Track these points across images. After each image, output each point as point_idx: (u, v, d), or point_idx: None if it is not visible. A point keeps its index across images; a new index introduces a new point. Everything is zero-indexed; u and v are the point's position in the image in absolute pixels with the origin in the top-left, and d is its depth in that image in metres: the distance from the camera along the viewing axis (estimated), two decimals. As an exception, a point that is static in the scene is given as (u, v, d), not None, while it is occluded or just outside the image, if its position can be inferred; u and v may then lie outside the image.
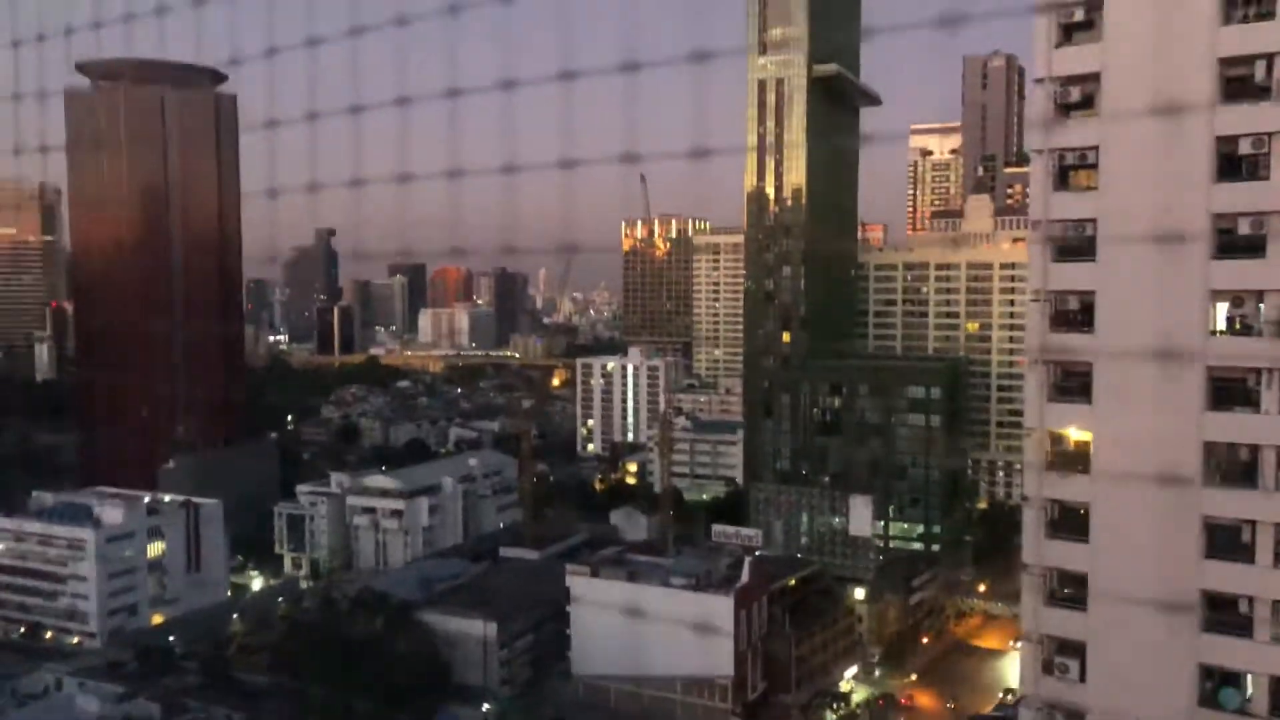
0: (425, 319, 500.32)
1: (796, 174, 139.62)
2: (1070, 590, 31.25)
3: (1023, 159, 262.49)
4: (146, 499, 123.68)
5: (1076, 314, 30.63)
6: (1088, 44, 29.74)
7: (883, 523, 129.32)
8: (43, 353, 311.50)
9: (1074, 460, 30.78)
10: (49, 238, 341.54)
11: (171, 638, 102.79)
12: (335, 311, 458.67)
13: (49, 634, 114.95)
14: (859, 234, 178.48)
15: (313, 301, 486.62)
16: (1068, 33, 29.92)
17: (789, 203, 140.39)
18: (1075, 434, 30.87)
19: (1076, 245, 30.39)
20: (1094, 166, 29.68)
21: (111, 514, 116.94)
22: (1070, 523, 30.55)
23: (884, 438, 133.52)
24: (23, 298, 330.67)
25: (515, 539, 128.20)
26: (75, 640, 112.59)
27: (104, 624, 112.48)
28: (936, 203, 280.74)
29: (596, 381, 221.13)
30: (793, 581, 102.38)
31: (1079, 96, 29.82)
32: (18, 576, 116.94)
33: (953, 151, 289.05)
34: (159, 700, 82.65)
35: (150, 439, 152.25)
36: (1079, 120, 30.12)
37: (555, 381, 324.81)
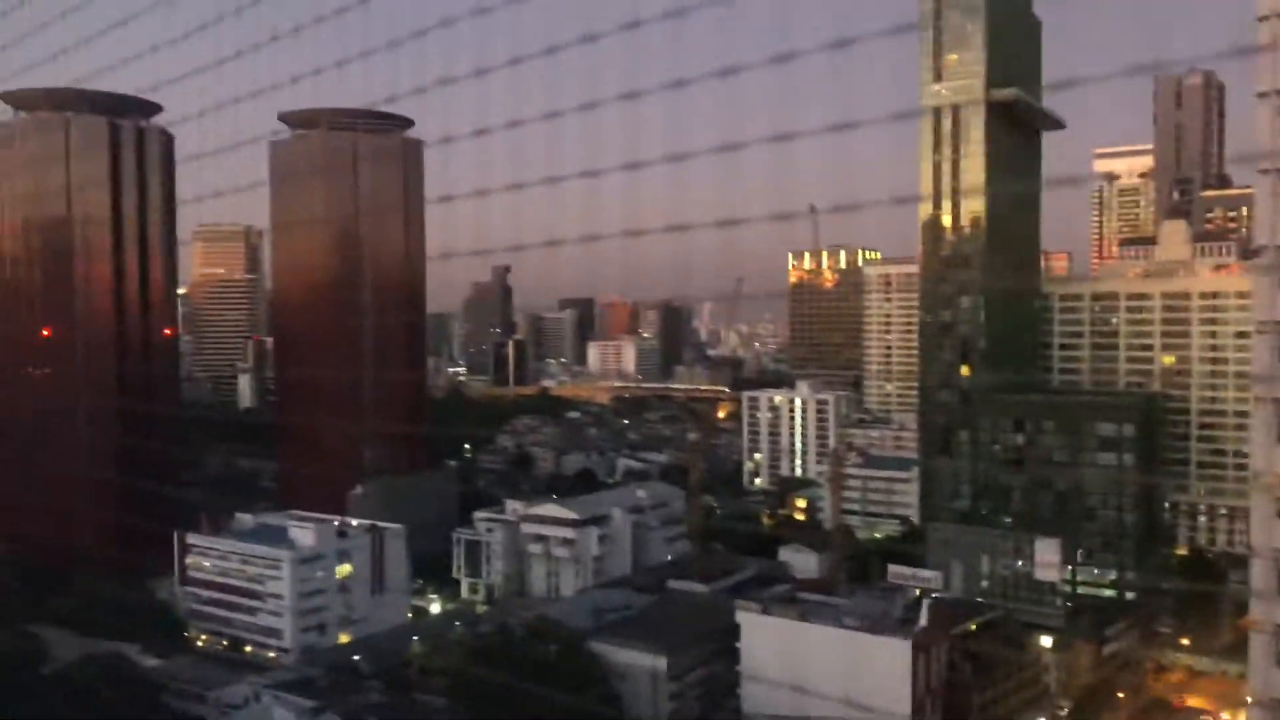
0: (593, 351, 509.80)
1: (975, 201, 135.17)
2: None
3: (1224, 181, 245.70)
4: (336, 522, 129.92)
5: (1312, 348, 28.05)
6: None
7: (1071, 567, 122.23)
8: (245, 383, 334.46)
9: (1311, 508, 28.05)
10: (252, 276, 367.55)
11: (357, 657, 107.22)
12: (510, 345, 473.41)
13: (248, 648, 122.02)
14: (1041, 263, 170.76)
15: (489, 335, 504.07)
16: (1298, 44, 27.65)
17: (967, 231, 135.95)
18: (1313, 479, 28.16)
19: (1311, 273, 27.85)
20: (1333, 187, 27.19)
21: (304, 536, 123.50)
22: (1308, 577, 27.80)
23: (1072, 477, 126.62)
24: (228, 332, 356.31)
25: (683, 571, 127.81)
26: (271, 655, 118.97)
27: (297, 640, 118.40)
28: (1125, 229, 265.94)
29: (764, 414, 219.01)
30: (974, 626, 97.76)
31: (1313, 112, 27.46)
32: (222, 593, 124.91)
33: (1142, 175, 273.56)
34: (346, 716, 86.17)
35: (340, 465, 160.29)
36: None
37: (720, 414, 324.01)
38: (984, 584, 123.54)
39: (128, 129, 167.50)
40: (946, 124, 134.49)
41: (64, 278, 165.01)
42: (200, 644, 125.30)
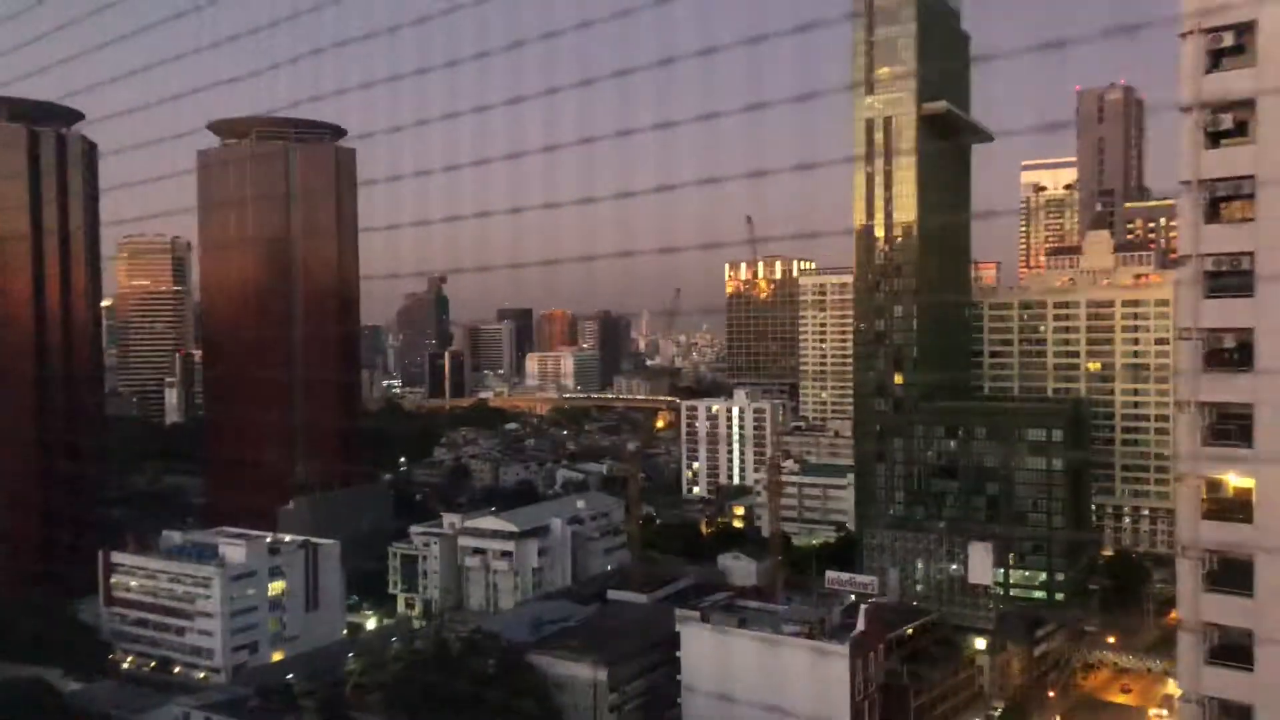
0: (532, 362, 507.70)
1: (906, 212, 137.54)
2: (1230, 647, 29.18)
3: (1144, 193, 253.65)
4: (268, 539, 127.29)
5: (1232, 352, 28.87)
6: (1239, 69, 28.26)
7: (1003, 570, 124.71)
8: (172, 397, 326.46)
9: (1233, 508, 28.85)
10: (179, 289, 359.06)
11: (290, 675, 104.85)
12: (446, 356, 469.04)
13: (177, 669, 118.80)
14: (971, 272, 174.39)
15: (425, 347, 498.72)
16: (1216, 58, 28.49)
17: (899, 241, 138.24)
18: (1235, 480, 28.98)
19: (1231, 281, 28.70)
20: (1250, 197, 28.06)
21: (235, 553, 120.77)
22: (1232, 575, 28.56)
23: (1003, 482, 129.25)
24: (154, 345, 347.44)
25: (623, 582, 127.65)
26: (201, 675, 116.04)
27: (228, 660, 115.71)
28: (1051, 239, 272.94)
29: (702, 424, 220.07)
30: (910, 630, 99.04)
31: (1232, 124, 28.31)
32: (150, 613, 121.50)
33: (1067, 187, 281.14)
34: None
35: (272, 480, 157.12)
36: (1231, 149, 28.57)
37: (659, 424, 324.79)
38: (919, 588, 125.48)
39: (48, 136, 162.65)
40: (879, 135, 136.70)
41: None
42: (126, 666, 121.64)
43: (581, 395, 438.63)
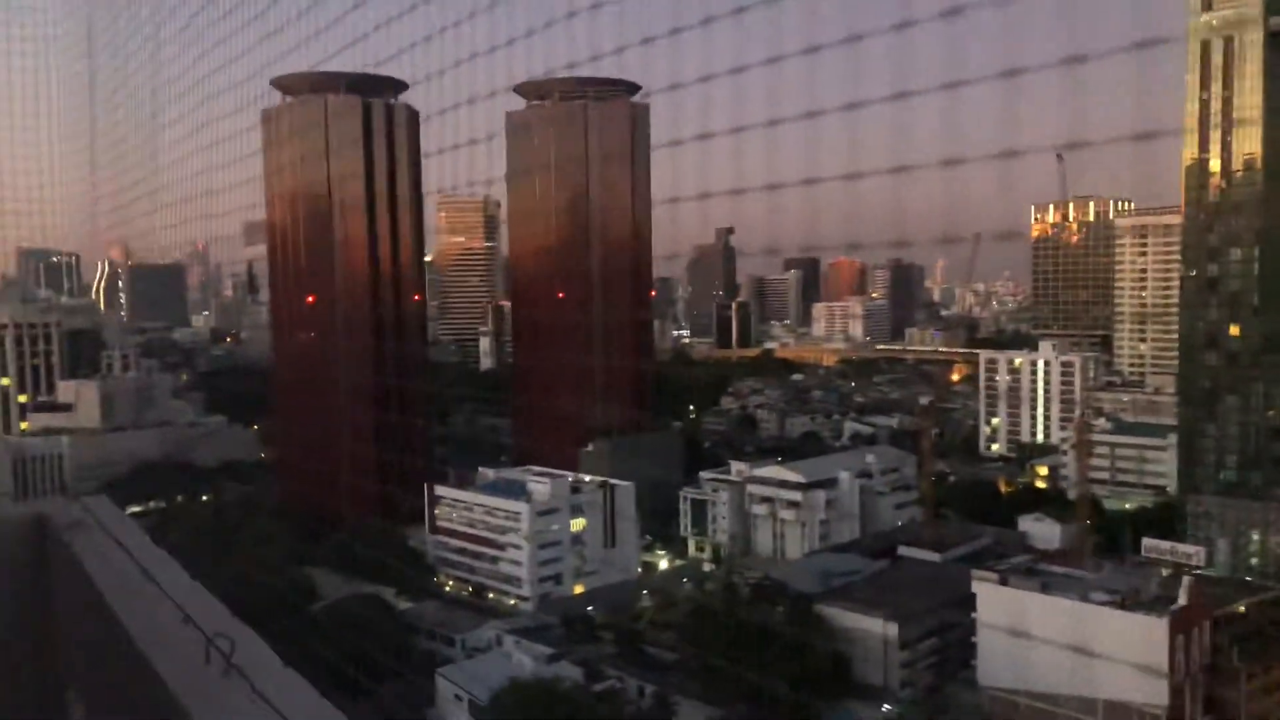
0: (819, 312, 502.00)
1: (1249, 142, 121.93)
2: None
3: None
4: (570, 478, 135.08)
5: None
6: None
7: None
8: (485, 345, 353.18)
9: None
10: (490, 244, 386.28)
11: (590, 608, 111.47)
12: (734, 307, 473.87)
13: (490, 594, 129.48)
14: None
15: (713, 298, 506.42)
16: None
17: (1239, 175, 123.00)
18: None
19: None
20: None
21: (541, 490, 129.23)
22: None
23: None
24: (470, 297, 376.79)
25: (913, 539, 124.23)
26: (512, 602, 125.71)
27: (535, 589, 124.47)
28: None
29: (1002, 378, 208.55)
30: (1242, 608, 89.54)
31: None
32: (467, 542, 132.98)
33: None
34: (581, 665, 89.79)
35: (572, 424, 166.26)
36: None
37: (954, 377, 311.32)
38: (1253, 562, 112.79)
39: (378, 107, 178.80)
40: (1216, 57, 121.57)
41: (324, 249, 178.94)
42: (448, 589, 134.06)
43: (871, 346, 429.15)
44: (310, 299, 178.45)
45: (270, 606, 79.59)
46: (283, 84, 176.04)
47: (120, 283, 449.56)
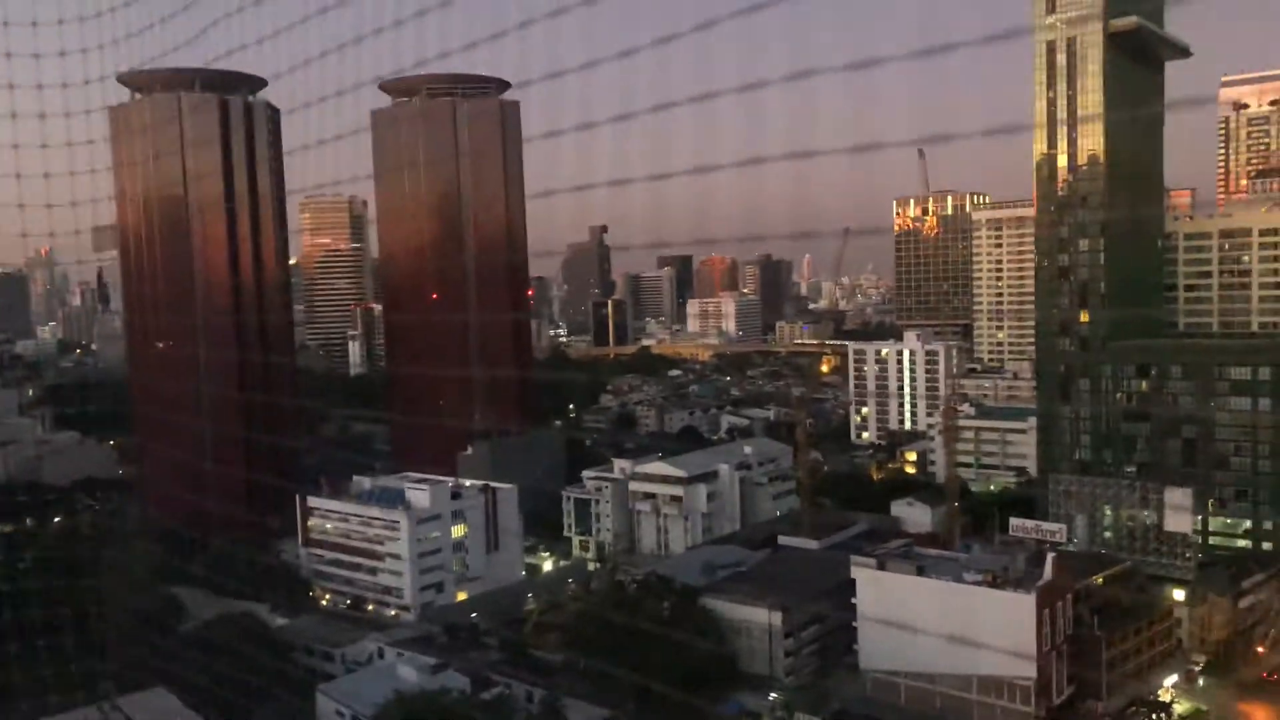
0: (693, 309, 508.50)
1: (1092, 139, 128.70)
2: None
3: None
4: (450, 483, 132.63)
5: None
6: None
7: (1201, 518, 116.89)
8: (354, 349, 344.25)
9: None
10: (357, 245, 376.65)
11: (474, 614, 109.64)
12: (610, 305, 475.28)
13: (370, 606, 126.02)
14: (1164, 200, 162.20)
15: (589, 296, 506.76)
16: None
17: (1084, 170, 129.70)
18: None
19: None
20: None
21: (420, 498, 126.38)
22: None
23: (1201, 424, 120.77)
24: (337, 300, 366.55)
25: (793, 527, 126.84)
26: (392, 613, 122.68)
27: (416, 599, 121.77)
28: (1255, 161, 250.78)
29: (870, 368, 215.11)
30: (1100, 580, 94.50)
31: None
32: (343, 553, 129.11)
33: (1273, 103, 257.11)
34: (467, 673, 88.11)
35: (450, 427, 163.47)
36: None
37: (824, 368, 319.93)
38: (1106, 535, 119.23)
39: (236, 104, 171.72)
40: (1061, 58, 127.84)
41: (182, 252, 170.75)
42: (325, 603, 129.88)
43: (744, 341, 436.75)
44: (168, 305, 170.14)
45: (133, 629, 75.41)
46: (131, 80, 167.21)
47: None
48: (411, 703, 77.71)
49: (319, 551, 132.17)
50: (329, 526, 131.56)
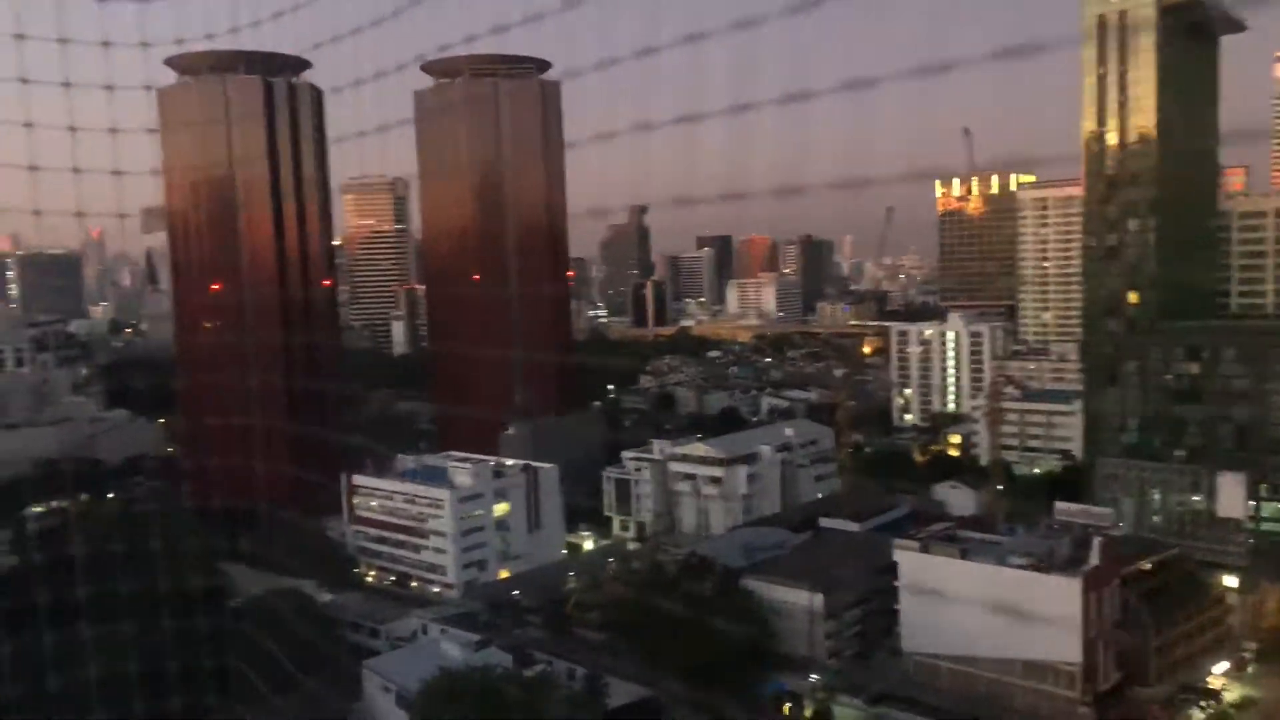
0: (732, 290, 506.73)
1: (1144, 116, 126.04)
2: None
3: None
4: (492, 463, 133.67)
5: None
6: None
7: (1254, 503, 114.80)
8: (398, 330, 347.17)
9: None
10: (400, 226, 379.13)
11: (516, 592, 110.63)
12: (649, 286, 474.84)
13: (414, 583, 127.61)
14: (1218, 179, 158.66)
15: (628, 277, 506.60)
16: None
17: (1135, 148, 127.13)
18: None
19: None
20: None
21: (462, 476, 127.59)
22: None
23: (1255, 407, 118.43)
24: (380, 281, 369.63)
25: (834, 510, 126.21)
26: (436, 590, 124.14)
27: (459, 576, 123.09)
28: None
29: (914, 349, 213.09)
30: (1148, 566, 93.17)
31: None
32: (388, 531, 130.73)
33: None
34: (510, 650, 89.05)
35: (492, 407, 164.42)
36: None
37: (866, 350, 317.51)
38: (1155, 520, 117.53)
39: (280, 86, 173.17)
40: (1113, 35, 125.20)
41: (229, 234, 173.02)
42: (370, 580, 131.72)
43: (784, 322, 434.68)
44: (215, 286, 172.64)
45: (187, 604, 76.99)
46: (178, 64, 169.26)
47: (9, 274, 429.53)
48: (456, 678, 78.65)
49: (364, 529, 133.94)
50: (374, 504, 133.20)
